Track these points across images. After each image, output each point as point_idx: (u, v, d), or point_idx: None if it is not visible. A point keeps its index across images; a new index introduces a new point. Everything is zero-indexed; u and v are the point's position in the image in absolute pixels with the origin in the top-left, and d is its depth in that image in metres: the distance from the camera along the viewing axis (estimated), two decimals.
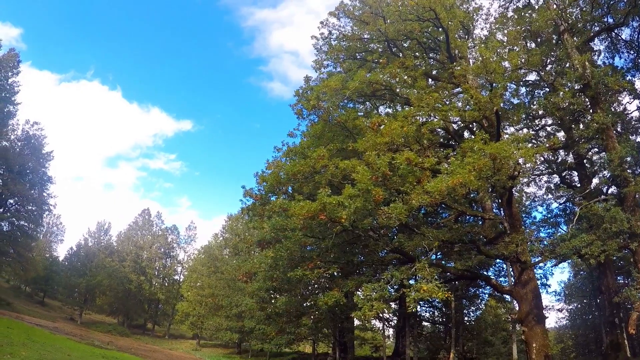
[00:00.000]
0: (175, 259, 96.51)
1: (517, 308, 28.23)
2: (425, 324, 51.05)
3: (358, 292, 25.97)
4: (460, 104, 27.84)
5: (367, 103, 32.82)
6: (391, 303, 36.68)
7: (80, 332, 55.39)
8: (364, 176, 20.51)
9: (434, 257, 28.46)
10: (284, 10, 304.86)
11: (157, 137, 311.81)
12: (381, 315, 40.84)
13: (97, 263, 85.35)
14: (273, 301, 39.20)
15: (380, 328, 50.93)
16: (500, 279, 39.63)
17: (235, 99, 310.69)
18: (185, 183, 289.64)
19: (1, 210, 68.62)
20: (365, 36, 30.84)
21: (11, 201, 69.83)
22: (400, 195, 21.56)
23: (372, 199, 20.38)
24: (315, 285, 33.99)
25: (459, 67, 26.77)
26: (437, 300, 35.75)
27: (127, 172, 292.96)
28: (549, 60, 32.43)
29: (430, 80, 30.12)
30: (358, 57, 31.75)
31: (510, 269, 33.28)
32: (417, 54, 31.19)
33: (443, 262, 34.44)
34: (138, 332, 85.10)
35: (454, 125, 30.03)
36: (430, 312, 49.80)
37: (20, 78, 67.82)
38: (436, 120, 25.27)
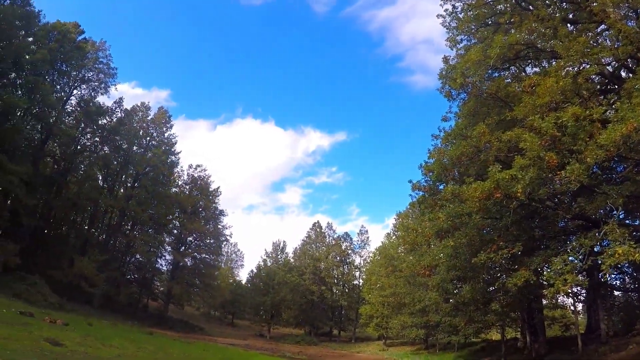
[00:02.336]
0: (352, 264, 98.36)
1: None
2: (616, 293, 46.58)
3: (545, 268, 24.37)
4: (608, 42, 25.15)
5: (512, 68, 31.02)
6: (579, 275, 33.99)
7: (270, 346, 58.14)
8: (533, 143, 19.21)
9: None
10: (405, 3, 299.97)
11: (316, 153, 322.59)
12: (569, 290, 37.95)
13: (278, 280, 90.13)
14: (456, 291, 38.11)
15: (570, 304, 47.30)
16: None
17: (381, 100, 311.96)
18: (350, 191, 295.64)
19: (183, 248, 75.29)
20: None
21: (190, 238, 76.93)
22: (574, 155, 19.80)
23: (546, 166, 19.01)
24: (497, 268, 32.46)
25: (595, 3, 24.16)
26: (625, 264, 32.53)
27: (294, 192, 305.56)
28: None
29: (569, 25, 27.56)
30: (489, 22, 30.28)
31: None
32: (547, 1, 28.74)
33: (627, 220, 31.15)
34: (325, 340, 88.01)
35: (609, 68, 27.13)
36: (620, 279, 45.37)
37: (175, 131, 75.49)
38: (589, 66, 22.88)
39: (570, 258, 21.40)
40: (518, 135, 20.65)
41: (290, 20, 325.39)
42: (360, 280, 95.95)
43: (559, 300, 43.93)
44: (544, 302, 39.67)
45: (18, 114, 48.31)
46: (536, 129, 19.97)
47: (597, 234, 20.85)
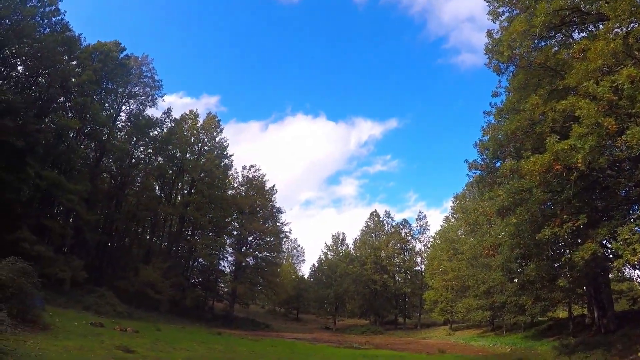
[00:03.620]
0: (412, 251, 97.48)
1: None
2: None
3: (611, 240, 23.56)
4: None
5: (558, 35, 29.76)
6: None
7: (337, 338, 58.14)
8: (590, 109, 18.51)
9: None
10: None
11: (369, 143, 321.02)
12: (637, 261, 36.24)
13: (340, 272, 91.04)
14: (520, 270, 37.27)
15: (637, 276, 45.25)
16: None
17: (429, 83, 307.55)
18: (406, 178, 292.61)
19: (244, 248, 76.48)
20: None
21: (250, 238, 78.22)
22: (633, 119, 19.01)
23: (605, 132, 18.31)
24: (561, 244, 31.49)
25: None
26: None
27: (350, 184, 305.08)
28: None
29: None
30: None
31: None
32: None
33: None
34: (390, 328, 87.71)
35: None
36: None
37: (227, 134, 77.13)
38: (638, 26, 21.80)
39: (636, 228, 20.49)
40: (573, 103, 19.93)
41: (330, 15, 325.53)
42: (422, 266, 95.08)
43: (625, 273, 42.46)
44: (610, 275, 38.33)
45: (71, 135, 50.27)
46: (591, 95, 19.28)
47: None
